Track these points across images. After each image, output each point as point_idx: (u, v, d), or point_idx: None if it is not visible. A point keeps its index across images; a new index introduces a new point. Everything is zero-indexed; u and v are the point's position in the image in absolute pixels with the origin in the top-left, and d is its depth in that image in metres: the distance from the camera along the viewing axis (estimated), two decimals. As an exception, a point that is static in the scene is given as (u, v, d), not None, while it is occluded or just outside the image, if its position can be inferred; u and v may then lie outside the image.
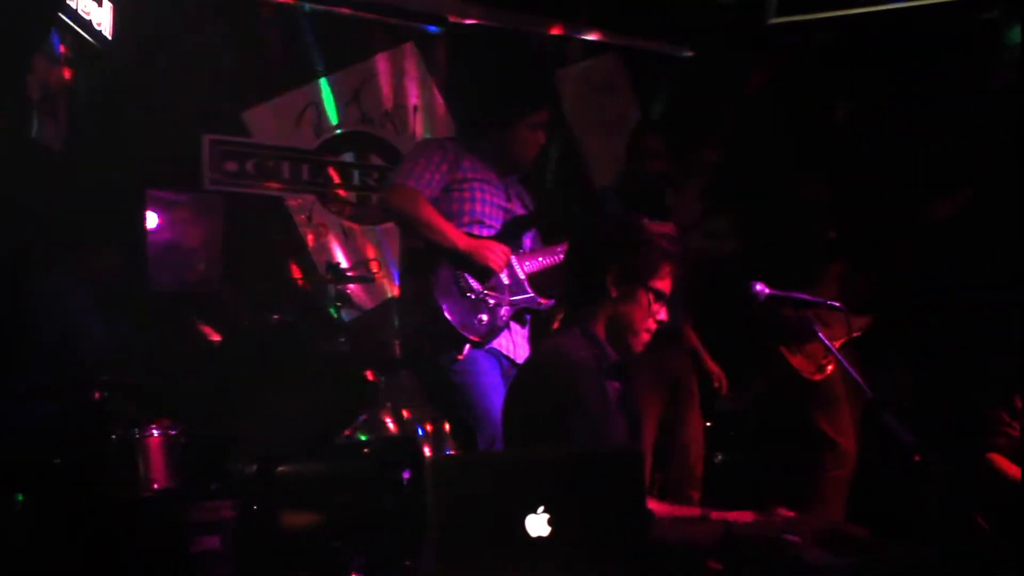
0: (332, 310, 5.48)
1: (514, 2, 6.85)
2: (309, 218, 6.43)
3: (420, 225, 4.04)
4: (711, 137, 6.06)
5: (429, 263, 4.02)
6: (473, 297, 4.01)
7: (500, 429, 3.18)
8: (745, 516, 2.92)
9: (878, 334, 5.44)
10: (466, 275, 4.02)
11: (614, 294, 3.01)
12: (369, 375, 5.58)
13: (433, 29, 6.75)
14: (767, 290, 3.34)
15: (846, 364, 3.32)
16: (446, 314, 3.95)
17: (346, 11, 6.48)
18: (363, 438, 5.01)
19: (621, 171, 5.34)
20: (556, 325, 4.63)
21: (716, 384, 5.37)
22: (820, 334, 3.34)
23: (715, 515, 2.96)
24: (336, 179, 6.57)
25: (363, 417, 5.26)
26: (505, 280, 4.13)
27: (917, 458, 3.25)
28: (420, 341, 4.09)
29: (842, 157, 6.17)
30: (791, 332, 5.13)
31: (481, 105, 4.43)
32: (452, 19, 6.74)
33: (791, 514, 2.96)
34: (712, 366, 5.37)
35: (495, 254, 4.03)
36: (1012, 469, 3.84)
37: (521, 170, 4.43)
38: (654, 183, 5.12)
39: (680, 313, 5.07)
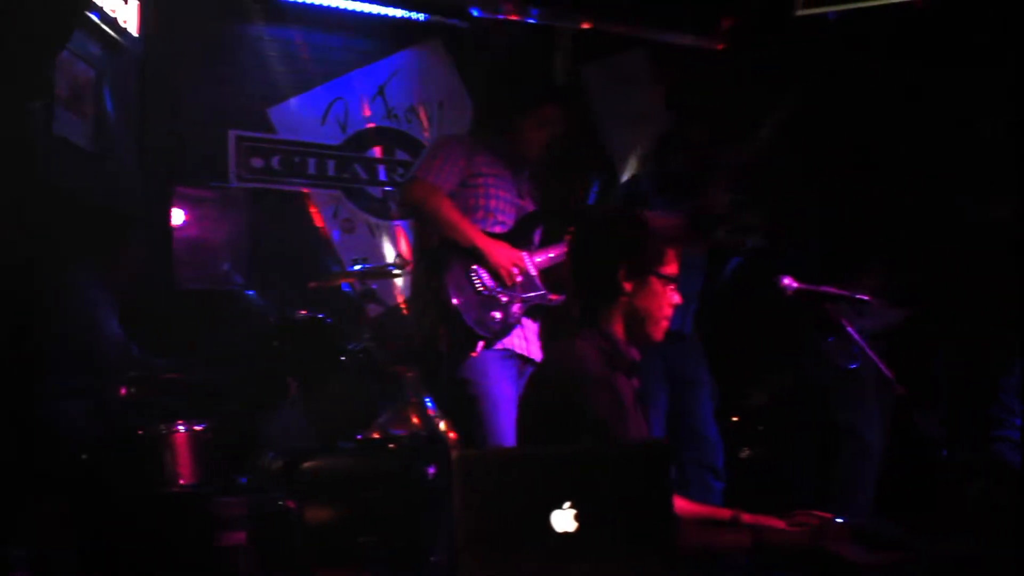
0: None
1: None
2: (335, 214, 6.44)
3: (438, 220, 4.06)
4: (741, 130, 6.02)
5: (443, 260, 4.03)
6: (486, 294, 4.01)
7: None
8: (776, 523, 2.93)
9: (910, 329, 5.41)
10: (480, 272, 4.02)
11: (628, 288, 3.00)
12: (401, 370, 5.58)
13: (460, 24, 6.74)
14: (795, 284, 3.33)
15: (875, 358, 3.30)
16: (460, 311, 3.95)
17: (372, 5, 6.47)
18: (389, 434, 5.01)
19: (652, 162, 5.35)
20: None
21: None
22: (848, 328, 3.32)
23: (747, 518, 2.99)
24: (362, 175, 6.57)
25: (389, 412, 5.26)
26: (522, 276, 4.13)
27: (944, 453, 3.25)
28: (434, 339, 4.08)
29: (884, 152, 6.12)
30: (819, 325, 5.10)
31: (490, 100, 4.46)
32: (478, 13, 6.72)
33: (817, 520, 2.94)
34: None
35: (508, 259, 4.03)
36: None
37: (528, 165, 4.43)
38: (685, 174, 5.12)
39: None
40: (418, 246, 4.39)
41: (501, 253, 4.05)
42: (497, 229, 4.20)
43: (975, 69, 5.82)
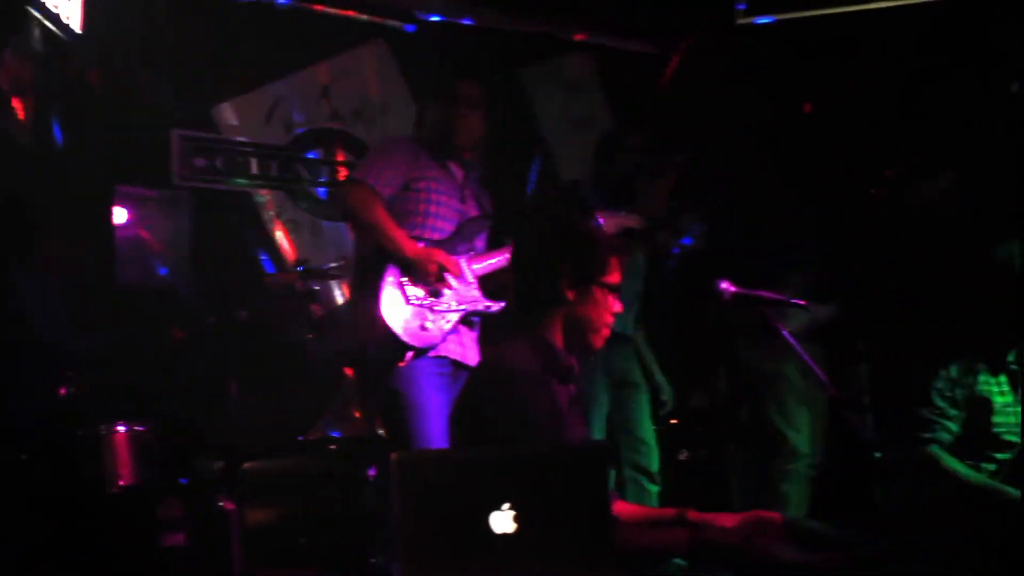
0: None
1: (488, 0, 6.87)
2: (279, 214, 6.42)
3: (370, 227, 4.02)
4: (681, 135, 6.10)
5: (376, 267, 4.00)
6: (418, 303, 3.99)
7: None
8: (727, 520, 2.91)
9: (842, 331, 5.51)
10: (413, 281, 4.00)
11: (571, 297, 3.01)
12: (343, 371, 5.58)
13: (405, 27, 6.75)
14: (733, 288, 3.38)
15: (809, 361, 3.35)
16: (388, 320, 3.94)
17: (318, 7, 6.46)
18: (331, 435, 5.02)
19: (594, 166, 5.39)
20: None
21: (664, 397, 5.35)
22: (784, 332, 3.37)
23: (692, 515, 2.96)
24: (306, 175, 6.55)
25: (330, 413, 5.27)
26: (455, 284, 4.11)
27: (877, 454, 3.32)
28: (364, 346, 4.07)
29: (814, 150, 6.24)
30: (754, 329, 5.19)
31: (425, 89, 4.44)
32: (422, 16, 6.74)
33: (763, 514, 2.98)
34: (659, 376, 5.36)
35: (435, 269, 4.01)
36: (952, 464, 3.91)
37: (462, 152, 4.40)
38: (626, 179, 5.16)
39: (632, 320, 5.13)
40: (355, 250, 4.36)
41: (432, 261, 4.01)
42: (436, 236, 4.17)
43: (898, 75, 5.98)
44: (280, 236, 6.38)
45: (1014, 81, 5.71)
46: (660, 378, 5.33)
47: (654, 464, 5.14)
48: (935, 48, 5.91)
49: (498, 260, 4.26)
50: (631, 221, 4.74)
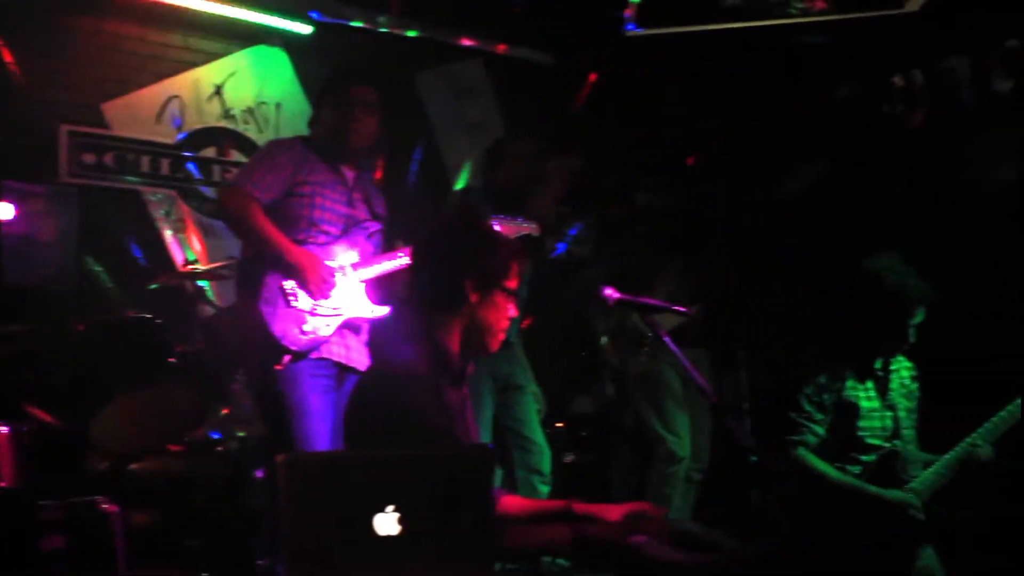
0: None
1: (383, 4, 6.89)
2: (168, 213, 6.35)
3: (250, 232, 3.99)
4: (570, 143, 6.20)
5: (257, 271, 3.99)
6: (299, 307, 3.98)
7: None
8: (612, 512, 2.93)
9: (724, 338, 5.67)
10: (295, 285, 3.99)
11: (474, 300, 3.02)
12: (231, 372, 5.54)
13: (300, 28, 6.74)
14: (616, 295, 3.44)
15: (690, 367, 3.43)
16: (268, 323, 3.93)
17: (212, 4, 6.42)
18: (217, 436, 4.99)
19: (484, 174, 5.45)
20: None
21: (538, 406, 5.44)
22: (666, 338, 3.45)
23: (579, 508, 2.97)
24: (197, 175, 6.50)
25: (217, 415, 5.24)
26: (339, 289, 4.13)
27: (753, 458, 3.43)
28: (246, 348, 4.07)
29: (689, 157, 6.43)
30: (636, 335, 5.31)
31: (321, 91, 4.41)
32: (319, 18, 6.74)
33: (645, 506, 3.03)
34: (532, 387, 5.44)
35: (320, 273, 4.00)
36: (818, 465, 4.05)
37: (356, 155, 4.40)
38: (516, 186, 5.23)
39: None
40: (241, 251, 4.31)
41: (312, 267, 4.00)
42: (321, 240, 4.15)
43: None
44: (169, 235, 6.32)
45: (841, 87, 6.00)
46: (534, 387, 5.42)
47: (546, 464, 5.22)
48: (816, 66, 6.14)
49: (387, 265, 4.26)
50: (528, 228, 4.79)
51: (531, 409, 5.27)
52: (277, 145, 4.46)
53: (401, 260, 4.23)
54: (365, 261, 4.25)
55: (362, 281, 4.20)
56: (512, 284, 3.09)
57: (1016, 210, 5.11)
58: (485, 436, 5.05)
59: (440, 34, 7.19)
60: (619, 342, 5.48)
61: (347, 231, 4.25)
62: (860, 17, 5.68)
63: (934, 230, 5.38)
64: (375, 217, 4.43)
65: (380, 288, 4.26)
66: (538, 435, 5.27)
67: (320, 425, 3.94)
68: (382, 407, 2.85)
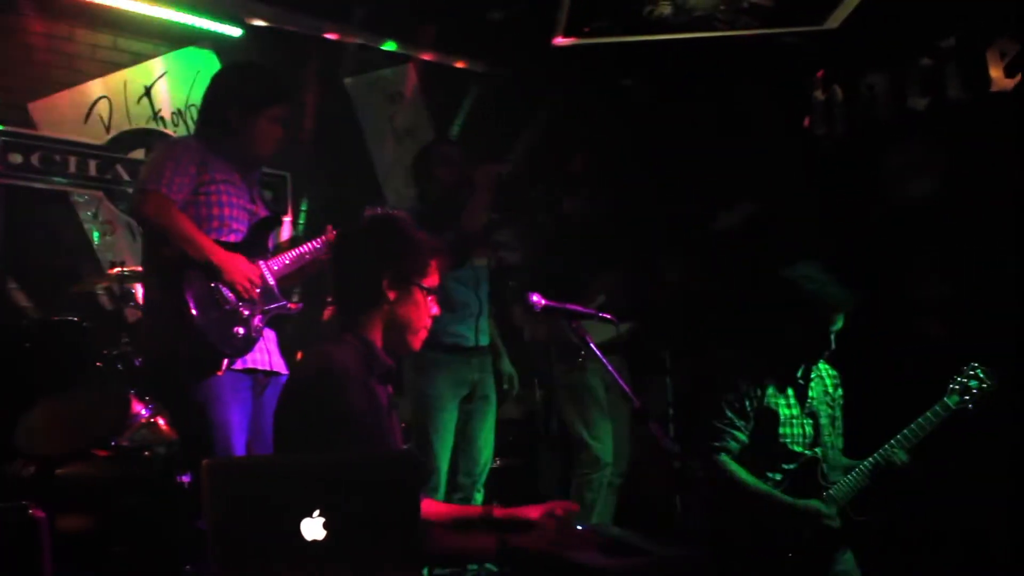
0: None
1: (312, 7, 6.89)
2: (95, 215, 6.31)
3: (174, 236, 3.87)
4: (502, 150, 6.25)
5: (182, 275, 3.88)
6: (229, 309, 3.92)
7: None
8: (531, 512, 2.98)
9: (647, 344, 5.76)
10: (221, 287, 3.95)
11: (392, 297, 3.05)
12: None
13: (229, 30, 6.73)
14: (543, 301, 3.48)
15: (615, 374, 3.47)
16: (203, 329, 3.83)
17: (142, 6, 6.39)
18: (144, 441, 4.96)
19: (412, 179, 5.49)
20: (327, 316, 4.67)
21: (506, 386, 5.51)
22: (591, 344, 3.51)
23: (498, 512, 3.03)
24: (124, 176, 6.45)
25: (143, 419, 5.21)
26: (260, 287, 4.06)
27: (677, 464, 3.48)
28: (171, 357, 3.92)
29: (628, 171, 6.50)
30: (562, 341, 5.37)
31: (228, 97, 4.33)
32: (248, 21, 6.73)
33: (563, 504, 3.07)
34: (506, 367, 5.53)
35: (245, 273, 3.94)
36: (737, 472, 4.12)
37: (261, 163, 4.37)
38: (445, 193, 5.26)
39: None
40: (149, 258, 4.17)
41: (238, 267, 3.94)
42: (232, 238, 4.07)
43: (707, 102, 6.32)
44: (97, 237, 6.27)
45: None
46: (509, 368, 5.51)
47: (484, 473, 5.30)
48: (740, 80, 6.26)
49: (292, 259, 4.22)
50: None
51: (489, 420, 5.32)
52: (177, 145, 4.34)
53: (306, 250, 4.22)
54: (273, 257, 4.20)
55: (275, 277, 4.17)
56: (431, 282, 3.12)
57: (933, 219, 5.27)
58: (447, 441, 5.09)
59: (370, 39, 7.20)
60: (547, 349, 5.55)
61: (252, 227, 4.19)
62: (783, 32, 5.81)
63: (853, 240, 5.53)
64: (271, 211, 4.40)
65: (289, 283, 4.24)
66: (488, 445, 5.32)
67: (239, 438, 3.90)
68: (315, 404, 2.86)
